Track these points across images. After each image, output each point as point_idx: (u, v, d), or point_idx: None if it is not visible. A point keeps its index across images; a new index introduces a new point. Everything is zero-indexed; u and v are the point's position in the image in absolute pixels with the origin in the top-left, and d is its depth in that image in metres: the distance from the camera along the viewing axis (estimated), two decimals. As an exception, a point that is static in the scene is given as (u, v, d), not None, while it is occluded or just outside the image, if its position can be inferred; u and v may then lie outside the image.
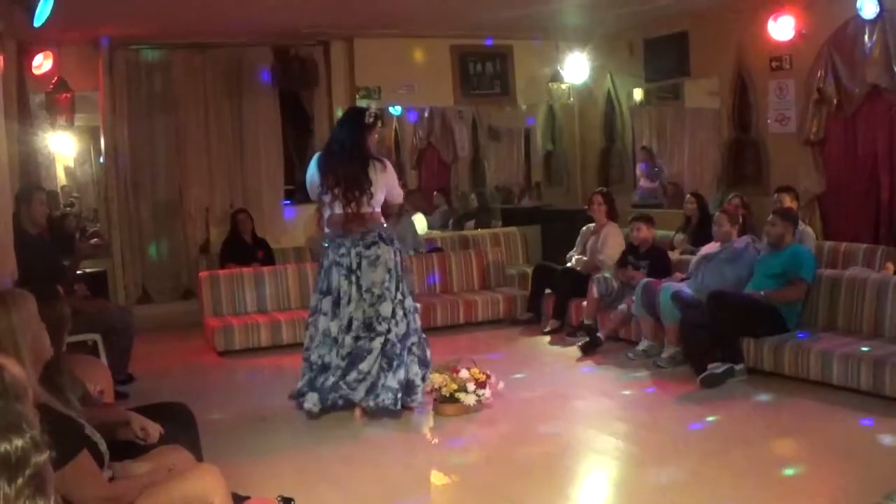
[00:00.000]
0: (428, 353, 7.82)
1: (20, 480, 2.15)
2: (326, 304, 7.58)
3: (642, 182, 14.07)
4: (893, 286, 8.08)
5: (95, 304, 9.13)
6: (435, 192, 15.42)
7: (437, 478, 6.29)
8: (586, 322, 10.31)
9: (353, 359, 7.48)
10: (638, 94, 13.85)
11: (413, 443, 7.16)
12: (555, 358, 9.80)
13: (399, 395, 7.43)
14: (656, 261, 10.04)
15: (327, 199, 7.59)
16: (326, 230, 7.71)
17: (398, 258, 7.61)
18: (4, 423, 2.20)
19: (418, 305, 7.94)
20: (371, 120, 7.76)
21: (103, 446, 4.02)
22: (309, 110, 13.49)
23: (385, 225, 7.71)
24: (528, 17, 11.99)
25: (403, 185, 14.75)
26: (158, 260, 12.86)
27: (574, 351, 9.79)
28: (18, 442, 2.17)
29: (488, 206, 15.37)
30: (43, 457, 2.20)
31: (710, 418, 7.39)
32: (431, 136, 15.63)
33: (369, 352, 7.43)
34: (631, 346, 9.67)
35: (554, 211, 14.43)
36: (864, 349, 7.54)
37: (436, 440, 7.15)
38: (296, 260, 12.44)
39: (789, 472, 6.07)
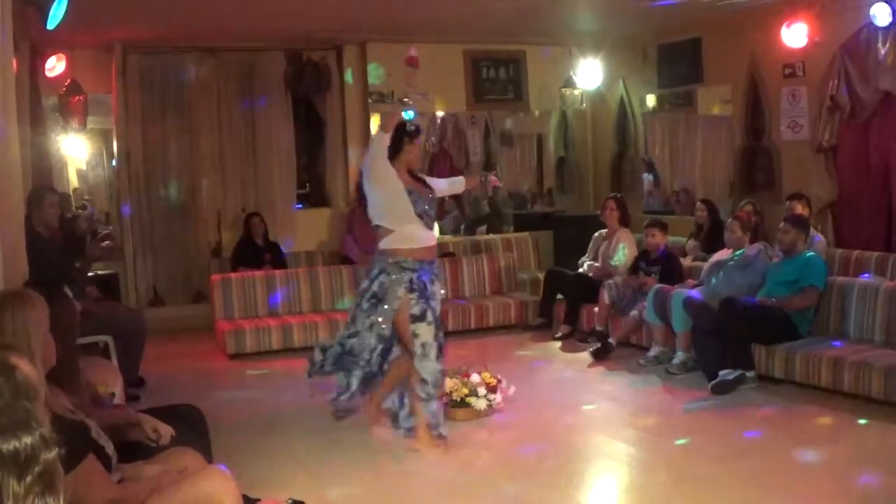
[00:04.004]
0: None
1: (29, 478, 2.15)
2: None
3: (650, 190, 14.09)
4: (906, 294, 8.07)
5: (107, 307, 9.14)
6: (446, 197, 15.39)
7: (447, 482, 6.28)
8: (598, 328, 10.30)
9: None
10: (651, 100, 13.82)
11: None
12: (566, 363, 9.79)
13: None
14: (668, 267, 10.01)
15: None
16: None
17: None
18: (13, 420, 2.21)
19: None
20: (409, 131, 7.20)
21: (110, 449, 4.02)
22: (322, 115, 13.51)
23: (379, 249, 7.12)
24: (541, 23, 12.00)
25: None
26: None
27: (585, 357, 9.78)
28: (27, 439, 2.17)
29: (500, 212, 15.35)
30: (52, 454, 2.21)
31: (720, 425, 7.39)
32: (444, 140, 15.61)
33: None
34: (642, 352, 9.66)
35: (566, 217, 14.43)
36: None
37: (446, 444, 7.14)
38: (307, 264, 12.45)
39: (800, 479, 6.06)
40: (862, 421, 7.15)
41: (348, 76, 13.23)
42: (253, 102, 13.02)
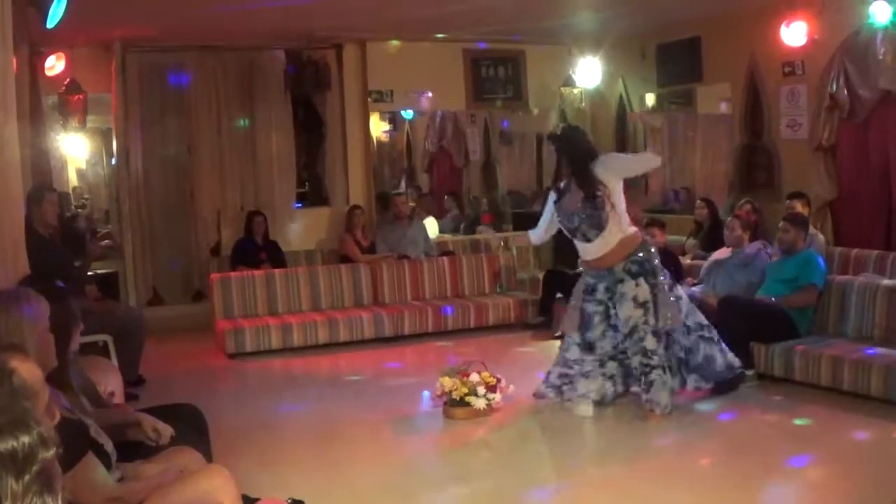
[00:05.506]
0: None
1: (27, 477, 2.16)
2: None
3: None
4: (905, 293, 8.07)
5: (106, 306, 9.15)
6: (446, 196, 15.41)
7: (447, 482, 6.29)
8: (597, 326, 10.28)
9: None
10: (650, 99, 13.83)
11: (423, 446, 7.17)
12: (565, 362, 9.76)
13: None
14: (667, 265, 9.98)
15: None
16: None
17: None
18: (11, 420, 2.21)
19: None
20: None
21: (110, 447, 4.03)
22: (321, 114, 13.50)
23: None
24: (540, 22, 11.99)
25: (417, 188, 14.85)
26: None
27: (584, 355, 9.76)
28: (25, 438, 2.17)
29: (500, 210, 15.35)
30: (50, 453, 2.21)
31: (720, 424, 7.39)
32: (443, 139, 15.62)
33: None
34: (641, 350, 9.64)
35: (565, 216, 14.40)
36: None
37: (446, 444, 7.15)
38: (307, 263, 12.44)
39: (799, 477, 6.06)
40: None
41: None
42: (252, 101, 12.99)
